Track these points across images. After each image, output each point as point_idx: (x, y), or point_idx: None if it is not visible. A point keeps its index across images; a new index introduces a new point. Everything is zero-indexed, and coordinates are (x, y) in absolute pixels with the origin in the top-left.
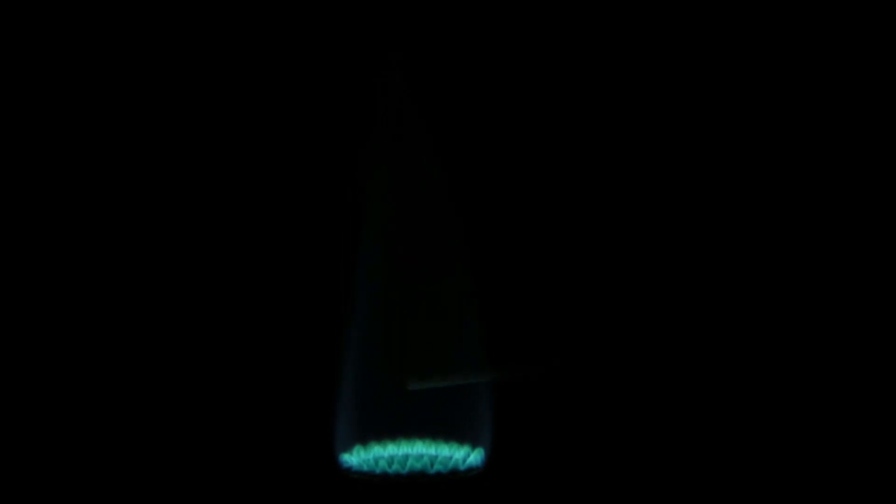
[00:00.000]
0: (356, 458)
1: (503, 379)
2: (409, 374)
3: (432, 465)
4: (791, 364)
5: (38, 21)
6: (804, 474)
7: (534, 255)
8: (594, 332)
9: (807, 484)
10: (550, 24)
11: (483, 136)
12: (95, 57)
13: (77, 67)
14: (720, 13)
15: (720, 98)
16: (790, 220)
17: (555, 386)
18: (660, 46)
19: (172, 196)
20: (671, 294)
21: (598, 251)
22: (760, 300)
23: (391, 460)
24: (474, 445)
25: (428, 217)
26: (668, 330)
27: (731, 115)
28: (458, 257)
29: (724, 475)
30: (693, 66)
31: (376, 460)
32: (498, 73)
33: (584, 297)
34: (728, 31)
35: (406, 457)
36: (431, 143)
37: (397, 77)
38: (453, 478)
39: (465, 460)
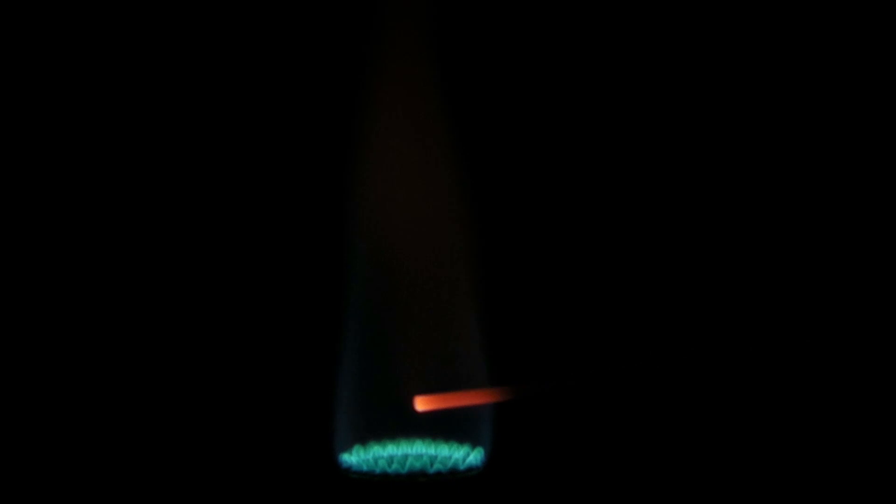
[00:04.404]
0: (356, 458)
1: (509, 396)
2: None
3: (432, 465)
4: (792, 375)
5: (24, 20)
6: (804, 479)
7: (539, 263)
8: (597, 340)
9: (807, 485)
10: (554, 19)
11: (489, 138)
12: (94, 58)
13: (75, 68)
14: (722, 14)
15: (722, 98)
16: (793, 221)
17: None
18: (662, 44)
19: (170, 197)
20: (674, 302)
21: (604, 260)
22: (760, 307)
23: (391, 460)
24: (474, 445)
25: (429, 217)
26: (669, 336)
27: (734, 115)
28: (461, 258)
29: (724, 477)
30: (692, 65)
31: (376, 460)
32: (502, 72)
33: (589, 308)
34: (730, 32)
35: (406, 457)
36: (433, 141)
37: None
38: (453, 478)
39: (465, 460)
